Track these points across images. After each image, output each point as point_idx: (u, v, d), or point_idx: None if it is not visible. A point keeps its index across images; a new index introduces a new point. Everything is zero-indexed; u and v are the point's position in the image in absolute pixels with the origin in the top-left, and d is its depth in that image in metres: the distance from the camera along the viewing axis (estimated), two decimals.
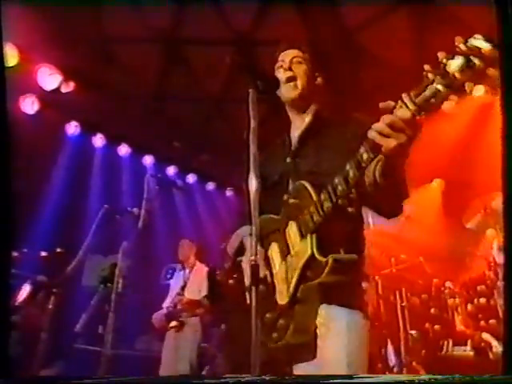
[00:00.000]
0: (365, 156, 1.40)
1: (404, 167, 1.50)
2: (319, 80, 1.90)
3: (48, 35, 4.46)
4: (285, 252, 1.69)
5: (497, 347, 3.83)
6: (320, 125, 1.86)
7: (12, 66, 4.23)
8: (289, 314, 1.60)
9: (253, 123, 1.53)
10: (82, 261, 3.47)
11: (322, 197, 1.56)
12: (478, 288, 4.42)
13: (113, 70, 5.31)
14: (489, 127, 4.65)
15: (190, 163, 7.09)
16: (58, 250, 4.30)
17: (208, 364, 4.33)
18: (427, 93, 1.21)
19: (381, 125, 1.31)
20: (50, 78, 5.15)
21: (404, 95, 1.26)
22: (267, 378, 1.38)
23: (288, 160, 1.84)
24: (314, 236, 1.58)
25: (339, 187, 1.49)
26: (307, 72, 1.86)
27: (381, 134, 1.32)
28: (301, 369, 1.59)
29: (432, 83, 1.19)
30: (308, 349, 1.56)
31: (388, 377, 3.25)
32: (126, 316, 3.63)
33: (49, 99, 5.28)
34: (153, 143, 6.58)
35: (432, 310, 4.72)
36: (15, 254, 3.65)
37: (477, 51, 1.11)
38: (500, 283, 4.05)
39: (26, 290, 3.55)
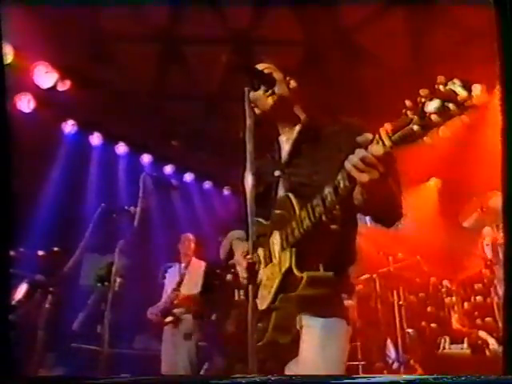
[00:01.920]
0: (342, 184, 1.41)
1: (390, 188, 1.49)
2: (292, 83, 1.88)
3: (44, 33, 4.43)
4: (268, 259, 1.71)
5: (493, 345, 3.84)
6: (310, 135, 1.84)
7: (8, 64, 4.21)
8: (267, 318, 1.61)
9: (249, 121, 1.53)
10: (79, 260, 3.46)
11: (302, 215, 1.56)
12: (475, 286, 4.43)
13: (109, 69, 5.29)
14: (485, 126, 4.65)
15: (187, 162, 7.08)
16: (55, 249, 4.28)
17: (207, 361, 4.32)
18: (403, 132, 1.22)
19: (355, 159, 1.33)
20: (46, 77, 5.13)
21: (382, 130, 1.27)
22: (273, 378, 1.39)
23: (277, 171, 1.84)
24: (294, 250, 1.58)
25: (317, 209, 1.51)
26: (280, 80, 1.84)
27: (355, 167, 1.33)
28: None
29: (409, 123, 1.19)
30: (289, 347, 1.58)
31: (390, 377, 3.26)
32: (123, 315, 3.62)
33: (45, 98, 5.26)
34: (150, 142, 6.57)
35: (429, 309, 4.74)
36: (12, 253, 3.64)
37: (454, 96, 1.11)
38: (497, 281, 4.07)
39: (23, 289, 3.55)
